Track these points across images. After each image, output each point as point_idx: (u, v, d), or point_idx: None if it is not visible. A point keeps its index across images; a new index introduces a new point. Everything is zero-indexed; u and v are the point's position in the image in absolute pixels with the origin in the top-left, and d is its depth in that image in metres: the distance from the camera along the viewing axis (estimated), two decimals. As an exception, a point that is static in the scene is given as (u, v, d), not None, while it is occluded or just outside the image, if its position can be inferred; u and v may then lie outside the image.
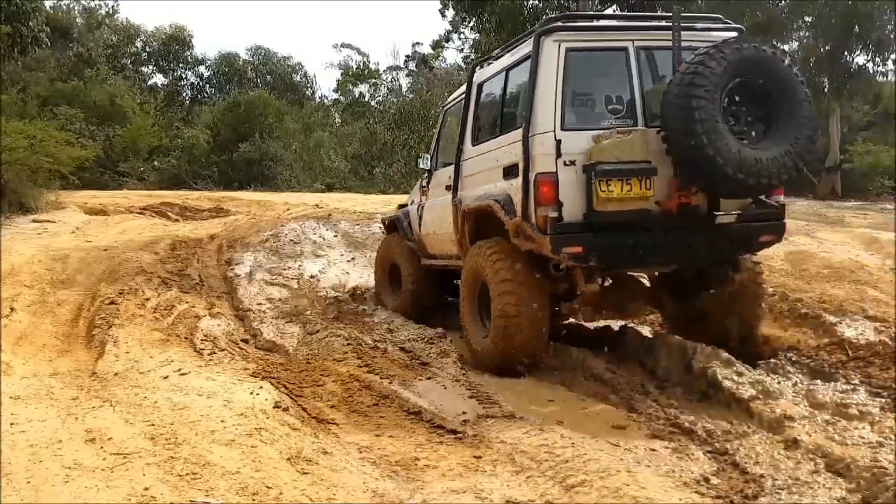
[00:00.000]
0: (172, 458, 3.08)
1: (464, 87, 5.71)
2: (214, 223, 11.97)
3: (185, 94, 33.94)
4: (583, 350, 4.78)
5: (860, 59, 18.81)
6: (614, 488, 2.84)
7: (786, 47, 20.35)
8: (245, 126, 24.62)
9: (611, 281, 4.85)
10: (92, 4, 31.14)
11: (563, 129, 4.29)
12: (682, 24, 4.39)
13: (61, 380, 4.42)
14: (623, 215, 4.21)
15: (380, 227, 7.76)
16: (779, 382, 4.06)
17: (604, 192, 4.14)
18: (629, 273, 4.93)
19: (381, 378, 4.42)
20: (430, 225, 5.97)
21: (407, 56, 38.61)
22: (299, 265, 7.79)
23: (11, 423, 3.51)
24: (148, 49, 33.65)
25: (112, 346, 5.05)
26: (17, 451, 3.17)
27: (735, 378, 4.05)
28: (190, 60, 34.65)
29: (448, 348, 5.09)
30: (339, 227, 9.86)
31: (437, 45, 36.37)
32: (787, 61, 4.29)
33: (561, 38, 4.42)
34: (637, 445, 3.39)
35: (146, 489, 2.81)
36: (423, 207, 6.18)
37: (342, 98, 37.49)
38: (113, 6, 32.59)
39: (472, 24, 17.47)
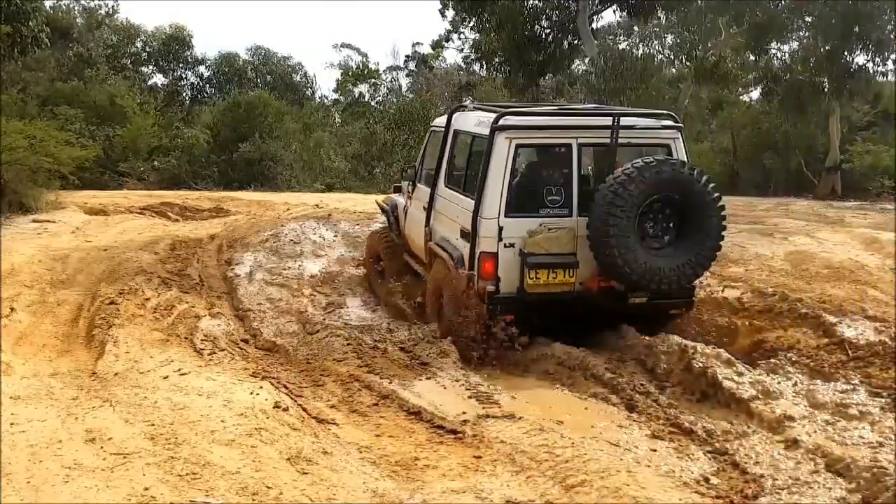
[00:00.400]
0: (172, 458, 3.08)
1: (444, 119, 6.19)
2: (214, 223, 11.97)
3: (185, 94, 33.94)
4: (583, 350, 4.80)
5: (860, 59, 18.80)
6: (614, 488, 2.84)
7: (786, 47, 20.38)
8: (245, 126, 24.61)
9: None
10: (92, 4, 31.11)
11: (506, 216, 4.94)
12: (620, 125, 4.99)
13: (61, 380, 4.41)
14: (549, 295, 4.94)
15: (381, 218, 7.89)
16: (779, 382, 4.07)
17: (531, 279, 4.88)
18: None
19: (381, 378, 4.42)
20: (410, 228, 6.53)
21: (407, 56, 38.60)
22: (299, 265, 7.78)
23: (11, 423, 3.51)
24: (148, 49, 33.62)
25: (112, 346, 5.05)
26: (17, 451, 3.17)
27: (735, 378, 4.05)
28: (190, 60, 34.63)
29: (448, 348, 5.09)
30: (339, 227, 9.86)
31: (437, 45, 36.38)
32: (703, 180, 4.85)
33: (512, 135, 4.99)
34: (637, 445, 3.40)
35: (146, 489, 2.81)
36: (406, 211, 6.68)
37: (342, 98, 37.49)
38: (113, 6, 32.56)
39: (472, 24, 17.45)
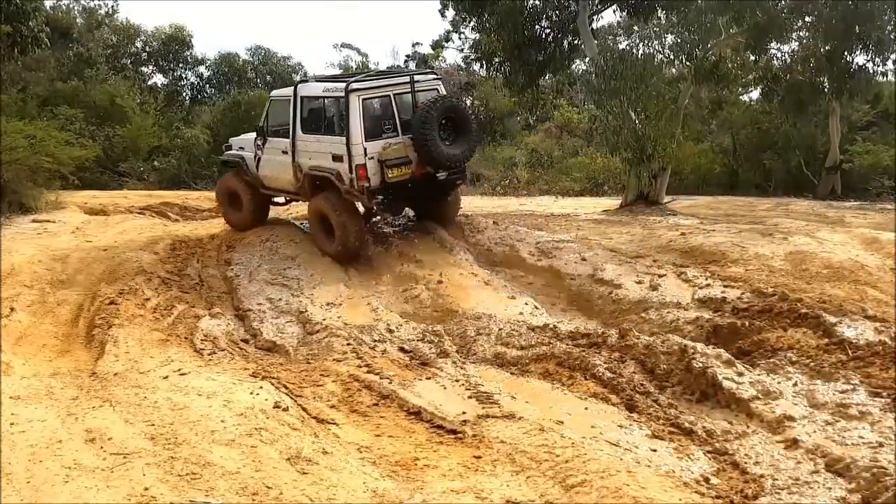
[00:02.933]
0: (172, 458, 3.08)
1: (287, 90, 9.26)
2: (214, 223, 11.96)
3: (185, 94, 33.93)
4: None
5: (860, 59, 18.77)
6: (614, 488, 2.84)
7: (786, 47, 20.35)
8: (245, 126, 24.60)
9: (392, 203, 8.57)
10: (92, 4, 31.10)
11: (366, 140, 7.93)
12: (416, 81, 8.42)
13: (61, 380, 4.41)
14: (399, 181, 8.09)
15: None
16: (779, 382, 4.06)
17: (391, 174, 7.96)
18: (402, 203, 8.89)
19: (380, 378, 4.41)
20: (267, 171, 9.18)
21: (407, 56, 38.60)
22: (299, 265, 7.77)
23: (11, 423, 3.50)
24: (148, 49, 33.64)
25: (112, 346, 5.05)
26: (17, 451, 3.17)
27: (735, 378, 4.05)
28: (190, 60, 34.65)
29: (448, 348, 5.09)
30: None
31: (437, 46, 36.38)
32: (465, 106, 9.01)
33: (359, 94, 8.01)
34: (637, 445, 3.39)
35: (146, 489, 2.81)
36: (262, 160, 9.26)
37: (342, 98, 37.46)
38: (113, 6, 32.54)
39: (472, 24, 17.41)
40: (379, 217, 9.14)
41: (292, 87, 9.05)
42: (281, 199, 9.67)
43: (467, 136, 8.34)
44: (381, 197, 8.04)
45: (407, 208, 9.39)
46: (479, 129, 9.38)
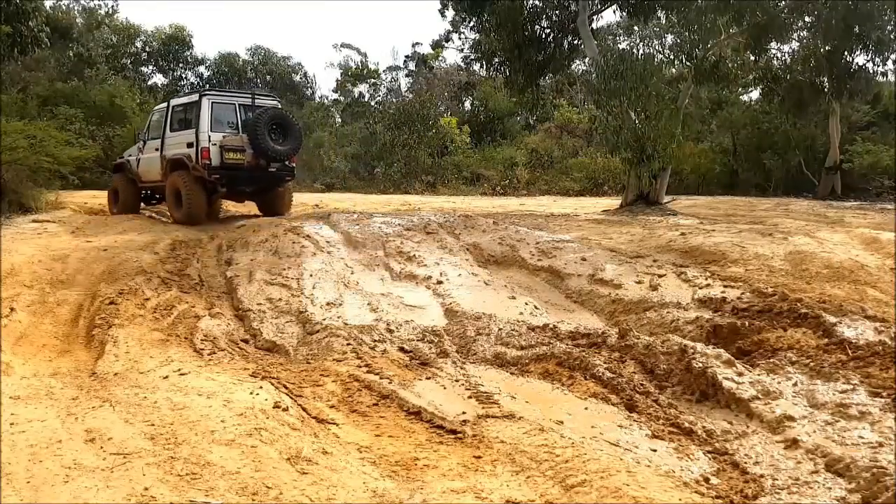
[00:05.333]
0: (172, 458, 3.08)
1: (164, 104, 13.00)
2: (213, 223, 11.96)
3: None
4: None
5: (860, 59, 18.78)
6: (614, 488, 2.84)
7: (786, 47, 20.36)
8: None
9: (231, 190, 12.04)
10: (92, 4, 31.12)
11: (211, 131, 11.33)
12: (256, 96, 12.30)
13: (61, 380, 4.41)
14: (234, 165, 11.45)
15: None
16: (779, 382, 4.06)
17: (228, 157, 11.36)
18: (241, 189, 12.23)
19: (381, 378, 4.41)
20: (145, 167, 12.72)
21: (406, 56, 38.63)
22: (299, 265, 7.77)
23: (11, 423, 3.50)
24: (148, 49, 33.64)
25: (112, 346, 5.05)
26: (17, 451, 3.17)
27: (735, 378, 4.04)
28: (190, 60, 34.66)
29: (448, 348, 5.09)
30: (340, 227, 9.86)
31: (437, 46, 36.39)
32: (292, 117, 12.75)
33: (210, 98, 11.65)
34: (637, 445, 3.39)
35: (146, 489, 2.81)
36: (140, 160, 12.87)
37: (342, 98, 37.49)
38: (113, 6, 32.57)
39: (471, 24, 17.42)
40: (222, 195, 12.13)
41: (166, 101, 12.90)
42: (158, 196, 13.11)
43: (292, 139, 11.92)
44: (218, 175, 11.35)
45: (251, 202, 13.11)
46: (301, 134, 12.72)
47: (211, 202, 11.88)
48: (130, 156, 13.19)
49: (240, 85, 33.45)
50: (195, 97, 11.71)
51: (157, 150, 12.18)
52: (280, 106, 12.56)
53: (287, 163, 12.00)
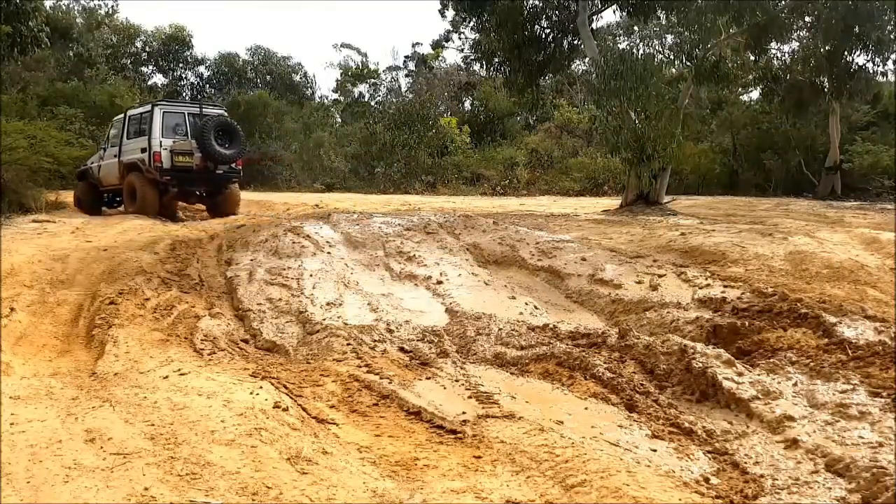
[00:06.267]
0: (172, 458, 3.08)
1: (121, 115, 14.68)
2: (214, 223, 11.97)
3: (185, 94, 33.92)
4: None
5: (860, 59, 18.77)
6: (614, 488, 2.83)
7: (786, 47, 20.36)
8: (245, 126, 24.69)
9: (182, 190, 13.82)
10: (92, 4, 31.12)
11: (162, 137, 13.32)
12: (203, 107, 14.64)
13: (61, 380, 4.41)
14: (183, 167, 13.49)
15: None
16: (779, 382, 4.06)
17: (177, 160, 13.39)
18: (191, 189, 14.04)
19: (381, 378, 4.41)
20: (105, 172, 14.57)
21: (406, 56, 38.63)
22: (299, 265, 7.77)
23: (11, 423, 3.50)
24: (148, 49, 33.63)
25: (112, 346, 5.04)
26: (17, 451, 3.16)
27: (735, 378, 4.04)
28: (190, 60, 34.65)
29: (448, 348, 5.09)
30: (340, 227, 9.86)
31: (437, 46, 36.38)
32: (236, 125, 14.49)
33: (161, 108, 13.68)
34: (637, 445, 3.39)
35: (146, 489, 2.80)
36: (101, 166, 14.67)
37: (342, 98, 37.50)
38: (113, 6, 32.55)
39: (472, 24, 17.43)
40: (173, 195, 13.65)
41: (125, 112, 14.73)
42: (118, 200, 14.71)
43: (237, 144, 13.88)
44: (169, 177, 13.19)
45: (201, 204, 14.82)
46: (245, 140, 14.88)
47: (163, 201, 13.47)
48: (92, 163, 15.06)
49: (240, 85, 33.46)
50: (148, 107, 13.68)
51: (115, 156, 14.15)
52: (226, 115, 14.61)
53: (233, 165, 13.98)
